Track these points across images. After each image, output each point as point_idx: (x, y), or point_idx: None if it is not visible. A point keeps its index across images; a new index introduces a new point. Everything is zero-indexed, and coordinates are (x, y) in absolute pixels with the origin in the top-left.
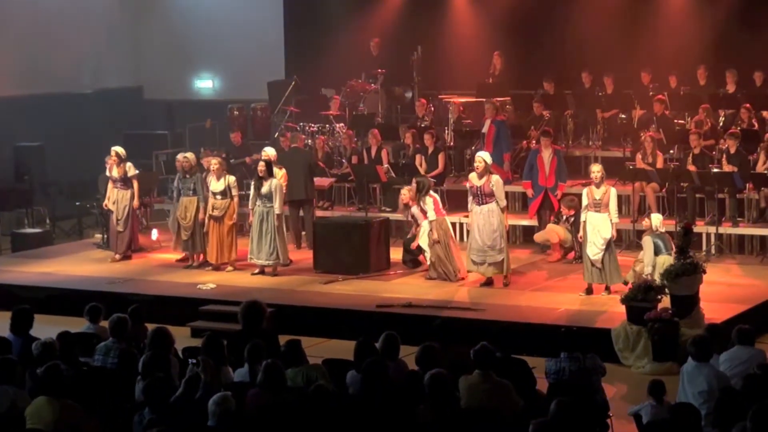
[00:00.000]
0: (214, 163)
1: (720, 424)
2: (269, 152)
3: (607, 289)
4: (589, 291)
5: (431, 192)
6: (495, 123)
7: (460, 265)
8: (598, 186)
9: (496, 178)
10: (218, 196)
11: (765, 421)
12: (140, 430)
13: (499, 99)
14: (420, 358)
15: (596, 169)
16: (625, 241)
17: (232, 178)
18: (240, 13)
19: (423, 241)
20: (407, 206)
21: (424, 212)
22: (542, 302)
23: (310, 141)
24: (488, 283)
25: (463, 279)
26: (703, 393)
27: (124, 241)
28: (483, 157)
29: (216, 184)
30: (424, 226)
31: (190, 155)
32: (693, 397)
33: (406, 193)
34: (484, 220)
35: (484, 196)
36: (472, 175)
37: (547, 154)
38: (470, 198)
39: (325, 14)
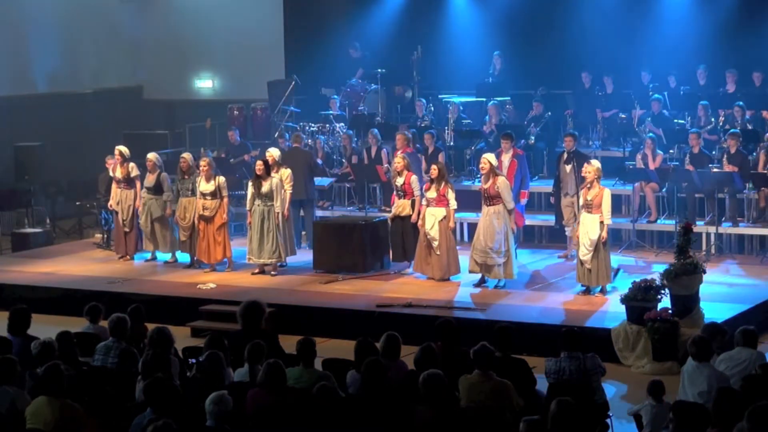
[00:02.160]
0: (202, 164)
1: (717, 424)
2: (273, 153)
3: (602, 290)
4: (588, 290)
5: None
6: (517, 157)
7: (455, 263)
8: (590, 187)
9: (501, 180)
10: (208, 197)
11: (763, 421)
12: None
13: (499, 99)
14: (419, 359)
15: (587, 170)
16: (625, 240)
17: (221, 179)
18: (240, 13)
19: (434, 230)
20: (399, 174)
21: (410, 187)
22: (542, 302)
23: (310, 141)
24: (487, 283)
25: (447, 279)
26: (704, 393)
27: (132, 241)
28: (488, 158)
29: (205, 185)
30: (437, 212)
31: (186, 155)
32: (693, 398)
33: (400, 161)
34: (489, 222)
35: (490, 198)
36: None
37: (506, 158)
38: (481, 199)
39: (325, 14)
